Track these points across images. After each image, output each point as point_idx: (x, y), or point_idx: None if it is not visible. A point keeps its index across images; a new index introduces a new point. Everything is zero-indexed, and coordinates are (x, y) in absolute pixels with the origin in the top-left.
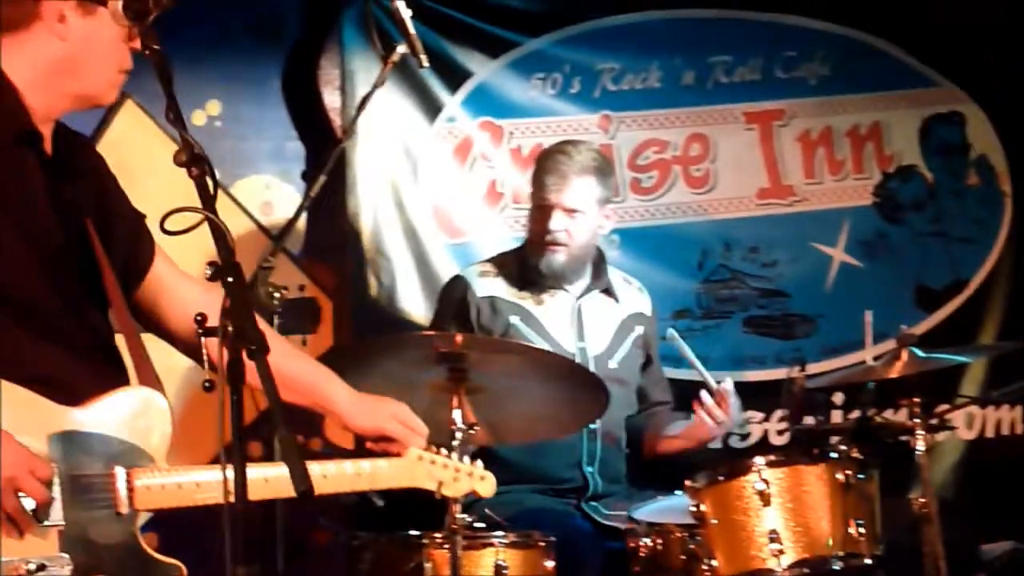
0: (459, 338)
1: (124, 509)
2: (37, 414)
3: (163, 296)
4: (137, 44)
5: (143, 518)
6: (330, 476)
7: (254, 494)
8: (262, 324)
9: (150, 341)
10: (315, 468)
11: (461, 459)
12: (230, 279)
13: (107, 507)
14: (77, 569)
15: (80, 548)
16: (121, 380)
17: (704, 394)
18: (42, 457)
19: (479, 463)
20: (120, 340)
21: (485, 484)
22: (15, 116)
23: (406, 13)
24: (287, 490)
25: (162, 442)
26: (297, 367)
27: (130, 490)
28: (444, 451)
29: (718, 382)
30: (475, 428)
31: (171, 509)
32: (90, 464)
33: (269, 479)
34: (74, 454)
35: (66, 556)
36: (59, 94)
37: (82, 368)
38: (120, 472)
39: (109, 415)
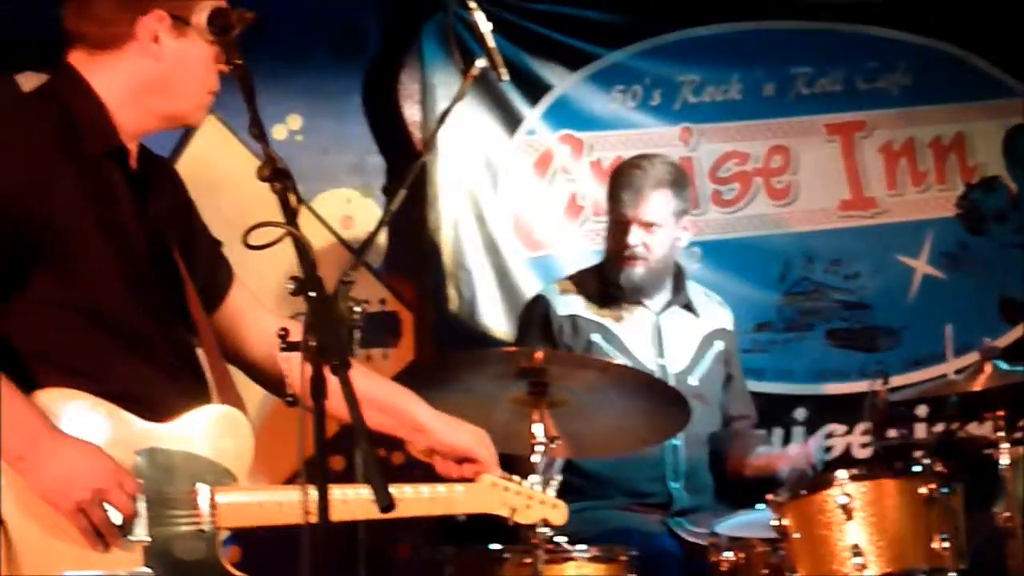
0: (540, 354)
1: (207, 527)
2: (124, 429)
3: (240, 322)
4: (228, 65)
5: (224, 534)
6: (407, 499)
7: (333, 515)
8: None
9: None
10: (392, 491)
11: (548, 472)
12: (312, 293)
13: (190, 524)
14: None
15: (163, 564)
16: (204, 397)
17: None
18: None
19: (552, 490)
20: (202, 357)
21: (557, 512)
22: (104, 132)
23: (486, 27)
24: (365, 512)
25: (244, 460)
26: (380, 387)
27: (212, 508)
28: (516, 478)
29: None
30: (556, 441)
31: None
32: (174, 481)
33: (348, 500)
34: (159, 470)
35: (149, 571)
36: (148, 113)
37: (167, 384)
38: (203, 490)
39: (193, 432)
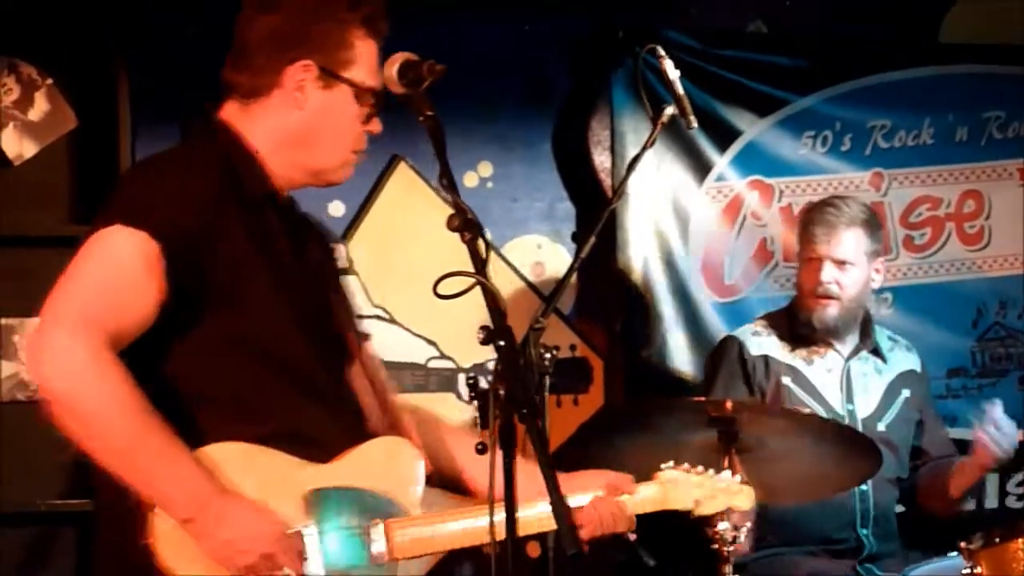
0: (729, 404)
1: (384, 560)
2: (290, 474)
3: (359, 380)
4: (375, 127)
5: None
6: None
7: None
8: None
9: (430, 403)
10: (582, 499)
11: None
12: (501, 343)
13: (366, 560)
14: None
15: None
16: (365, 435)
17: (979, 425)
18: (300, 516)
19: (737, 477)
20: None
21: (743, 497)
22: (260, 177)
23: (674, 74)
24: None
25: (415, 489)
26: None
27: (388, 541)
28: (697, 469)
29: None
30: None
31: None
32: (348, 519)
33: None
34: (331, 510)
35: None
36: (292, 165)
37: (333, 423)
38: (378, 525)
39: (362, 468)
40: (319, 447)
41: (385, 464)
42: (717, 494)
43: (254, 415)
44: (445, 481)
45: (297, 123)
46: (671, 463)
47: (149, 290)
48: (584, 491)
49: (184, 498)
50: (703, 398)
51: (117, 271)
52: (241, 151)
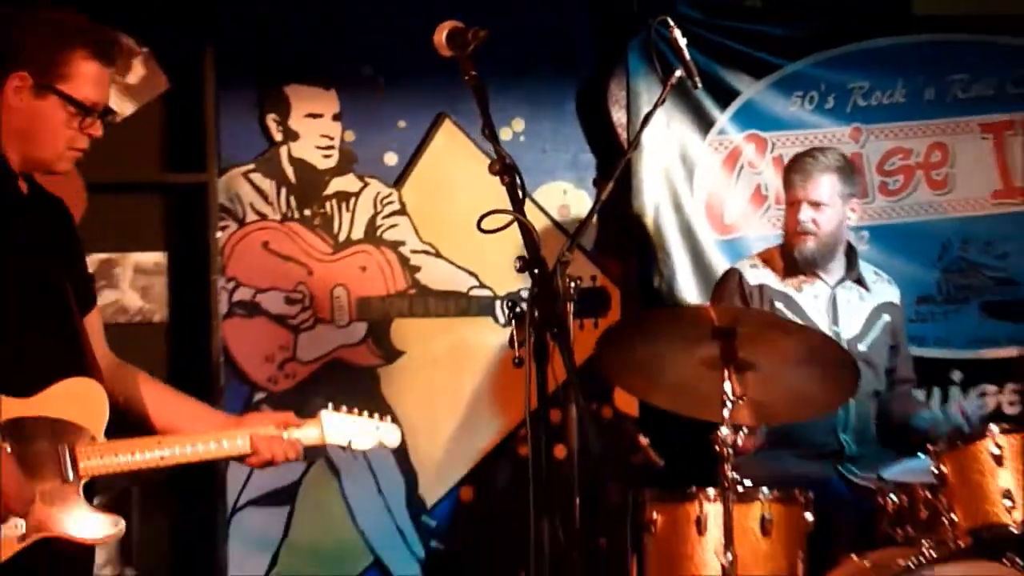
0: (731, 311)
1: (69, 477)
2: None
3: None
4: (95, 131)
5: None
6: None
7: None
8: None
9: (471, 325)
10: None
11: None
12: (536, 270)
13: (56, 476)
14: (29, 527)
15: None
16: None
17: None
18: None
19: (387, 418)
20: None
21: (392, 436)
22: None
23: (682, 41)
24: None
25: (100, 420)
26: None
27: (74, 461)
28: (356, 410)
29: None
30: (743, 399)
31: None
32: (39, 443)
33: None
34: (24, 436)
35: (21, 519)
36: (18, 154)
37: (37, 368)
38: (64, 447)
39: (55, 402)
40: (21, 389)
41: (76, 400)
42: (368, 433)
43: None
44: (138, 420)
45: (17, 122)
46: (330, 406)
47: None
48: (261, 426)
49: None
50: (708, 304)
51: None
52: None
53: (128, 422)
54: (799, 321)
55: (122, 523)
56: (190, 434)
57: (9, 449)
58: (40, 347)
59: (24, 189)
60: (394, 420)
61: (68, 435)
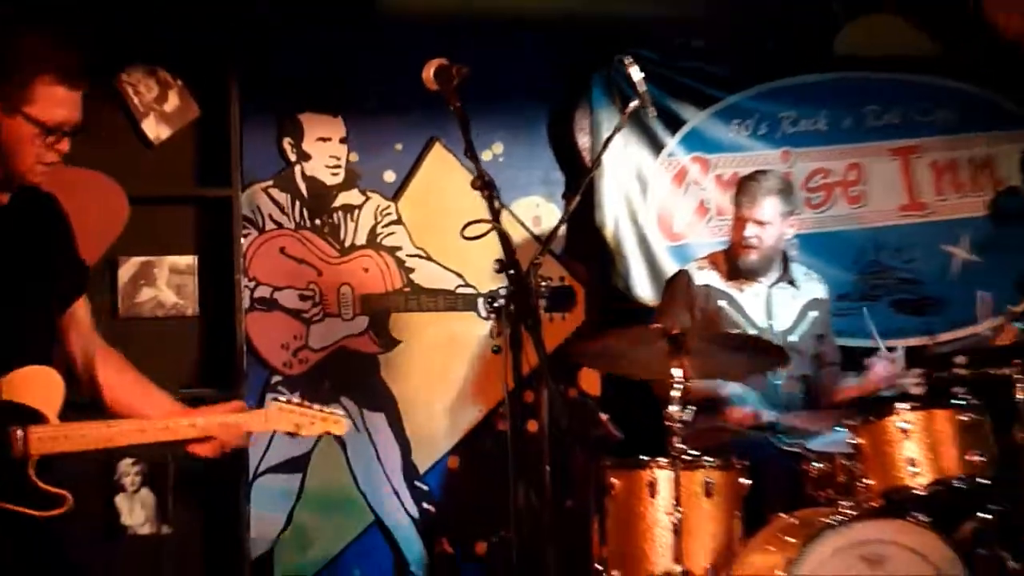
0: (679, 329)
1: (19, 454)
2: None
3: (71, 332)
4: (62, 147)
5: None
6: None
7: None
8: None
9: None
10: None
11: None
12: (512, 272)
13: (7, 455)
14: None
15: None
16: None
17: (877, 356)
18: None
19: (338, 410)
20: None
21: (337, 426)
22: None
23: (638, 76)
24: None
25: (54, 404)
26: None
27: (26, 439)
28: (307, 403)
29: (890, 349)
30: (690, 380)
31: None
32: None
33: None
34: None
35: None
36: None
37: (14, 356)
38: (18, 430)
39: (16, 389)
40: None
41: (32, 385)
42: (316, 420)
43: None
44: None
45: None
46: (280, 396)
47: None
48: (215, 415)
49: None
50: (659, 324)
51: None
52: None
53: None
54: (737, 322)
55: (70, 499)
56: (140, 418)
57: None
58: (3, 343)
59: (4, 200)
60: (391, 399)
61: (23, 417)
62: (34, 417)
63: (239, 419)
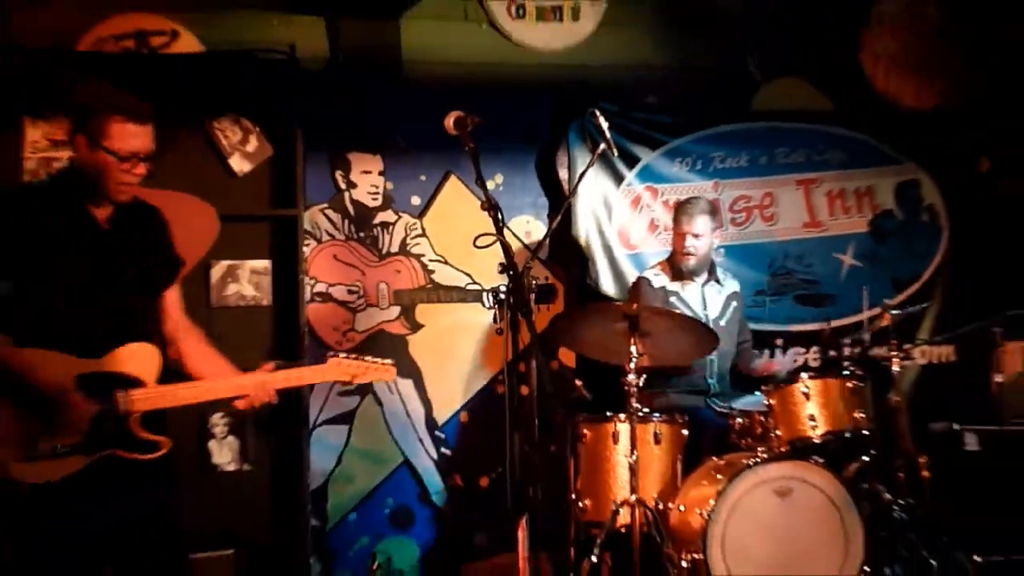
0: (635, 306)
1: (123, 411)
2: (69, 365)
3: (165, 313)
4: (139, 170)
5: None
6: (297, 377)
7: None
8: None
9: (468, 309)
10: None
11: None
12: (511, 273)
13: (113, 411)
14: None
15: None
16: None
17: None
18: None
19: (388, 360)
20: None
21: (386, 371)
22: (103, 191)
23: (604, 125)
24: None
25: (152, 371)
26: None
27: (128, 399)
28: (361, 356)
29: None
30: (642, 355)
31: (159, 409)
32: (106, 389)
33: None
34: (96, 384)
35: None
36: (99, 189)
37: (108, 337)
38: (124, 392)
39: (119, 361)
40: (96, 353)
41: (135, 358)
42: (369, 369)
43: (64, 339)
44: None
45: (87, 165)
46: (340, 353)
47: None
48: (261, 374)
49: None
50: (619, 302)
51: None
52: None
53: None
54: (681, 311)
55: (167, 444)
56: (209, 380)
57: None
58: (109, 324)
59: (105, 216)
60: (417, 369)
61: (127, 383)
62: (136, 383)
63: (302, 373)
